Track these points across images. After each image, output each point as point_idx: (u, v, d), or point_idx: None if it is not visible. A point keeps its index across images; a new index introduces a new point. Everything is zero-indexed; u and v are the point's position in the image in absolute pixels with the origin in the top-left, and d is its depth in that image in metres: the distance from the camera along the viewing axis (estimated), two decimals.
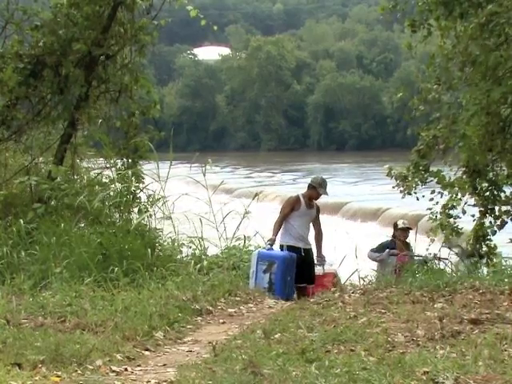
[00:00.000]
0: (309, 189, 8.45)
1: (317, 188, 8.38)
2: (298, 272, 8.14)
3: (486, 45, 8.89)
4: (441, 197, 9.85)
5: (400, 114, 52.27)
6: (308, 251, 8.35)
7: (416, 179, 9.77)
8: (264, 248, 8.30)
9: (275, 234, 8.34)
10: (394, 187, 10.15)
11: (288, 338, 5.15)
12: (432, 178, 9.83)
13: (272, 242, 8.23)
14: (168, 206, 8.81)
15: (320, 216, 8.69)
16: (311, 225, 8.53)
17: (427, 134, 9.73)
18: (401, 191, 10.01)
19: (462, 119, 9.41)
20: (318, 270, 8.40)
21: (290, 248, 8.26)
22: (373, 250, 9.30)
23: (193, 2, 9.79)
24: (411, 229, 9.41)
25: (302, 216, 8.32)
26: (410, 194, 9.95)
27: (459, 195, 9.78)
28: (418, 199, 10.02)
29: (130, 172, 8.97)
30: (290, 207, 8.35)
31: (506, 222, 9.69)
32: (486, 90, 8.67)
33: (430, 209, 9.90)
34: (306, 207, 8.35)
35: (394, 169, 10.04)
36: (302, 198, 8.36)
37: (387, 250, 9.12)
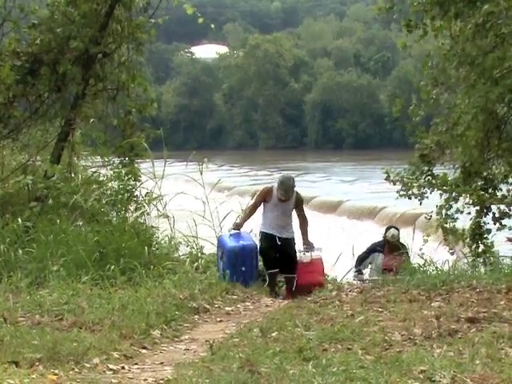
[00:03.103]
0: None
1: (277, 185, 8.10)
2: (278, 261, 8.02)
3: (482, 46, 8.90)
4: (440, 197, 9.86)
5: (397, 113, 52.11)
6: (285, 241, 8.10)
7: (422, 184, 9.77)
8: (230, 231, 8.14)
9: (243, 219, 8.25)
10: (400, 195, 10.12)
11: (285, 337, 5.15)
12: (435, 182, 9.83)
13: (236, 226, 8.11)
14: (164, 204, 8.81)
15: (304, 206, 8.44)
16: (295, 215, 8.30)
17: (432, 139, 9.73)
18: (402, 195, 10.03)
19: (462, 123, 9.42)
20: (306, 256, 8.18)
21: (265, 235, 8.12)
22: (361, 259, 9.23)
23: (190, 1, 9.78)
24: (400, 244, 9.20)
25: (274, 207, 8.11)
26: (423, 198, 9.95)
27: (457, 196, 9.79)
28: (420, 203, 10.03)
29: (126, 170, 8.97)
30: (262, 198, 8.20)
31: (505, 225, 9.69)
32: (485, 93, 8.69)
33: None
34: (278, 200, 8.11)
35: (391, 173, 10.02)
36: (274, 190, 8.12)
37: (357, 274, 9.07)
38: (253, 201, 8.38)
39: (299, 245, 8.27)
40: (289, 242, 8.15)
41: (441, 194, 9.85)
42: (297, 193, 8.23)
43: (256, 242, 8.16)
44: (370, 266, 9.21)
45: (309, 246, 8.24)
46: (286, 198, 8.08)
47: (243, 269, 7.81)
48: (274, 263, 8.05)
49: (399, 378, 4.01)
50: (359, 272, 9.12)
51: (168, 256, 8.07)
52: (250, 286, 7.80)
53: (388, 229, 9.39)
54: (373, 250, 9.21)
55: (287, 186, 8.06)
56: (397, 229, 9.40)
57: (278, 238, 8.07)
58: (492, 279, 6.71)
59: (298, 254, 8.21)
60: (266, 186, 8.46)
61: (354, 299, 6.65)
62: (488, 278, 6.85)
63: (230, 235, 8.08)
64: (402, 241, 9.23)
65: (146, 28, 9.51)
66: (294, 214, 8.31)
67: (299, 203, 8.28)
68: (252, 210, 8.29)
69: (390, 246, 9.09)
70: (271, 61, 75.41)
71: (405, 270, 7.63)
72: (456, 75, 9.45)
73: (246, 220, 8.28)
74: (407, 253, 8.93)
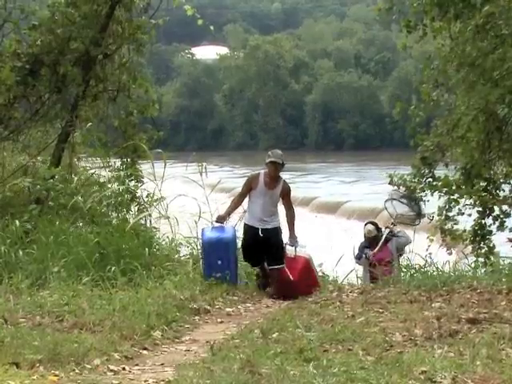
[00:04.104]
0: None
1: (265, 161, 7.85)
2: (261, 253, 7.77)
3: (482, 47, 8.90)
4: (438, 199, 9.85)
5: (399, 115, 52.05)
6: (269, 231, 7.76)
7: (424, 187, 9.76)
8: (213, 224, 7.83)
9: (228, 211, 7.89)
10: (402, 197, 10.11)
11: (286, 338, 5.15)
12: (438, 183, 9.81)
13: (219, 219, 7.78)
14: (165, 205, 8.80)
15: (291, 196, 8.06)
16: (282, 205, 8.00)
17: (432, 140, 9.72)
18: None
19: (462, 124, 9.41)
20: (290, 251, 7.88)
21: (247, 227, 7.88)
22: (357, 257, 9.35)
23: (191, 2, 9.78)
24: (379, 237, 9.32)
25: (260, 195, 7.81)
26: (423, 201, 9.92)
27: (456, 196, 9.77)
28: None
29: (128, 172, 8.97)
30: (248, 185, 7.89)
31: (506, 226, 9.67)
32: (485, 94, 8.68)
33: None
34: (264, 187, 7.78)
35: (395, 176, 10.00)
36: (261, 177, 7.85)
37: (364, 255, 9.19)
38: (240, 191, 8.04)
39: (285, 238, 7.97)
40: (273, 232, 7.80)
41: (440, 196, 9.83)
42: (284, 181, 7.96)
43: (235, 236, 7.78)
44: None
45: (293, 241, 7.90)
46: (276, 159, 7.77)
47: (219, 262, 7.48)
48: (256, 259, 7.80)
49: (400, 378, 4.01)
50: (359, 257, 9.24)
51: (169, 257, 8.05)
52: (230, 282, 7.50)
53: (365, 225, 9.54)
54: (363, 247, 9.33)
55: (276, 153, 7.87)
56: (373, 223, 9.51)
57: (261, 229, 7.75)
58: (493, 280, 6.71)
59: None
60: (252, 173, 8.16)
61: (354, 300, 6.65)
62: (489, 278, 6.85)
63: (212, 228, 7.79)
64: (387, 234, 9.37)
65: (147, 29, 9.51)
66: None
67: (286, 193, 7.92)
68: (238, 200, 7.98)
69: (371, 241, 9.23)
70: (271, 62, 75.44)
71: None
72: (456, 76, 9.44)
73: (230, 212, 7.94)
74: (391, 240, 9.13)
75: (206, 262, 7.57)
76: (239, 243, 7.98)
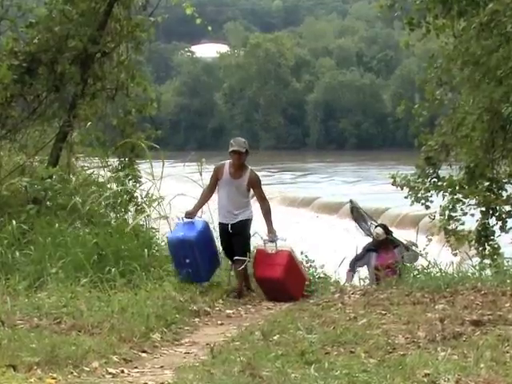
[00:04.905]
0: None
1: (228, 150, 7.73)
2: (231, 248, 7.63)
3: (487, 45, 8.85)
4: (443, 199, 9.80)
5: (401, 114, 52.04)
6: (238, 224, 7.57)
7: (429, 187, 9.69)
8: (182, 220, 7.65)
9: (197, 206, 7.75)
10: (406, 197, 10.06)
11: (287, 340, 5.13)
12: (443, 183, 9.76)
13: (188, 214, 7.64)
14: (164, 205, 8.75)
15: (261, 187, 7.79)
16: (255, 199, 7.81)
17: (436, 140, 9.66)
18: (413, 200, 9.95)
19: (467, 123, 9.36)
20: (271, 246, 7.61)
21: (220, 225, 7.73)
22: (357, 259, 9.23)
23: None
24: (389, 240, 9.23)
25: (226, 186, 7.61)
26: (428, 201, 9.85)
27: (460, 196, 9.72)
28: (427, 207, 9.96)
29: (126, 172, 8.93)
30: (215, 177, 7.74)
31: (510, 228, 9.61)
32: (489, 93, 8.63)
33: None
34: (229, 176, 7.61)
35: (398, 177, 9.93)
36: (226, 167, 7.65)
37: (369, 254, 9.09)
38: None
39: (262, 233, 7.78)
40: (242, 224, 7.58)
41: (444, 196, 9.78)
42: (251, 171, 7.73)
43: (204, 232, 7.61)
44: (366, 266, 9.22)
45: (272, 236, 7.62)
46: (238, 148, 7.64)
47: (187, 261, 7.35)
48: (232, 256, 7.61)
49: (403, 381, 4.00)
50: (352, 270, 9.10)
51: (168, 258, 8.00)
52: (204, 279, 7.43)
53: (375, 228, 9.44)
54: (368, 249, 9.24)
55: (239, 141, 7.77)
56: (383, 227, 9.39)
57: (230, 225, 7.59)
58: (497, 281, 6.67)
59: (262, 242, 7.70)
60: (218, 163, 7.94)
61: (356, 302, 6.61)
62: (493, 280, 6.80)
63: (183, 224, 7.62)
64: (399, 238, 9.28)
65: (145, 27, 9.46)
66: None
67: (254, 183, 7.66)
68: (206, 194, 7.83)
69: (379, 244, 9.12)
70: (272, 60, 75.45)
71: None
72: (460, 75, 9.40)
73: (200, 207, 7.77)
74: (400, 246, 9.01)
75: (175, 261, 7.48)
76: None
